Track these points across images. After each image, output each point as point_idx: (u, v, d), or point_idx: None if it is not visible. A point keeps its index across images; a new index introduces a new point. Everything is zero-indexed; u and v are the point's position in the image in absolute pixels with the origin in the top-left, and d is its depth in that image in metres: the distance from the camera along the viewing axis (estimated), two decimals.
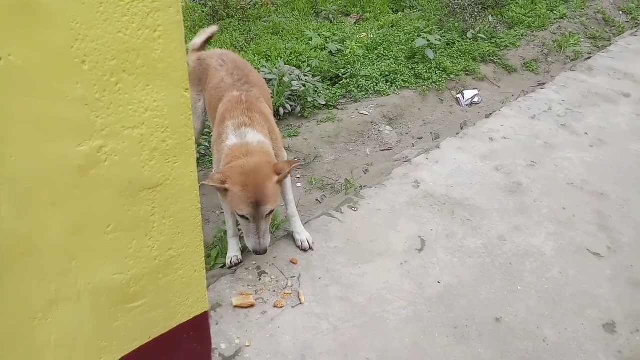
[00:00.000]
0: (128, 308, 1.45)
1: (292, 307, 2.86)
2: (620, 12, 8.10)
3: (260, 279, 3.03)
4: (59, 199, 1.15)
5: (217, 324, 2.73)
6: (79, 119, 1.10)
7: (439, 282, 3.08)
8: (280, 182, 2.80)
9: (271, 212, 2.77)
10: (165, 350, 1.66)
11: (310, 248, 3.25)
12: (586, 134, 4.74)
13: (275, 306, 2.86)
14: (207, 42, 3.75)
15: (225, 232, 3.29)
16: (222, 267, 3.24)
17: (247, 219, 2.72)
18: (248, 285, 2.98)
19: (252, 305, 2.84)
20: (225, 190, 2.66)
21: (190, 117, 1.31)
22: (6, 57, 0.95)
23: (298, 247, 3.26)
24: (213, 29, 3.71)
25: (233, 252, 3.20)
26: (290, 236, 3.32)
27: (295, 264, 3.16)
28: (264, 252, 2.81)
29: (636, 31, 7.35)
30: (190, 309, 1.65)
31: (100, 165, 1.19)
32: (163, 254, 1.45)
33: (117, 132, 1.18)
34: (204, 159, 4.34)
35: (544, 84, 5.80)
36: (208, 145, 4.22)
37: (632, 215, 3.73)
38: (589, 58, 6.41)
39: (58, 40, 1.00)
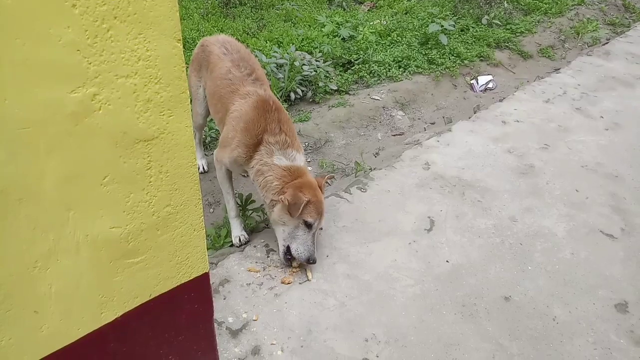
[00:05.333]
0: (127, 263, 1.47)
1: (300, 283, 2.87)
2: None
3: (268, 256, 3.05)
4: (54, 146, 1.17)
5: (224, 299, 2.75)
6: (72, 64, 1.12)
7: (447, 261, 3.06)
8: None
9: None
10: (166, 310, 1.68)
11: None
12: (602, 117, 4.66)
13: (282, 282, 2.88)
14: None
15: None
16: (231, 246, 3.27)
17: (311, 227, 2.90)
18: (256, 262, 3.01)
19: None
20: (308, 202, 2.85)
21: (183, 69, 1.32)
22: None
23: None
24: None
25: (238, 232, 3.23)
26: None
27: None
28: (315, 261, 2.92)
29: None
30: (191, 269, 1.66)
31: (95, 113, 1.20)
32: (161, 210, 1.46)
33: (110, 81, 1.19)
34: (215, 142, 4.36)
35: (559, 69, 5.71)
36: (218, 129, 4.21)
37: None
38: (607, 43, 6.30)
39: None
